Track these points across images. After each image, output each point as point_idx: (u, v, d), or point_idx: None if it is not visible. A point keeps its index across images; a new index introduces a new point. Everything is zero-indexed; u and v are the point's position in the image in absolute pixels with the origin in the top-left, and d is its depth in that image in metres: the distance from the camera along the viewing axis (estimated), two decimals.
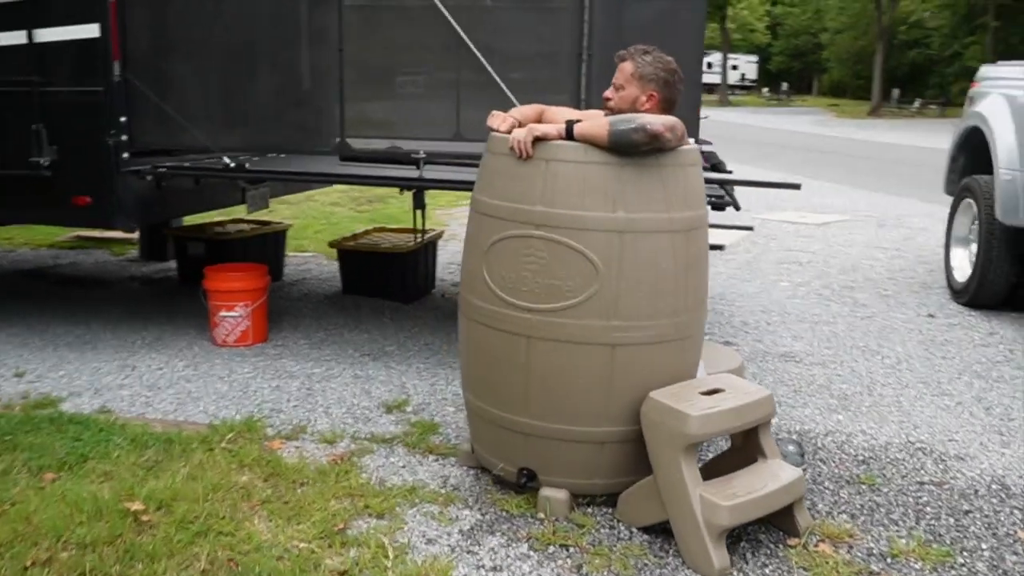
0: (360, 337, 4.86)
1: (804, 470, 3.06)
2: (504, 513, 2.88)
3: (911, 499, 3.12)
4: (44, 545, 2.58)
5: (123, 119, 4.24)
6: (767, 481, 2.72)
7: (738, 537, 2.77)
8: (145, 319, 5.07)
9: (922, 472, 3.34)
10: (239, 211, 6.02)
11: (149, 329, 4.89)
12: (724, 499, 2.60)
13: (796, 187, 4.06)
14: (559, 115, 3.08)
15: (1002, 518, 3.01)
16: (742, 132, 23.11)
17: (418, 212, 5.04)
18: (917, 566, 2.68)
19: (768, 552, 2.73)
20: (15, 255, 7.10)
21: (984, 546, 2.82)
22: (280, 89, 4.65)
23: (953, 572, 2.66)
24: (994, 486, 3.24)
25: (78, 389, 3.97)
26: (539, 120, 3.07)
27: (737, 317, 5.45)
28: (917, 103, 35.51)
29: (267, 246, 6.17)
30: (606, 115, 2.89)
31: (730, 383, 2.87)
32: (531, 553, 2.66)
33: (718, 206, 3.98)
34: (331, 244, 5.84)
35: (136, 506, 2.77)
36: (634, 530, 2.80)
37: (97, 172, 4.26)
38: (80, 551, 2.57)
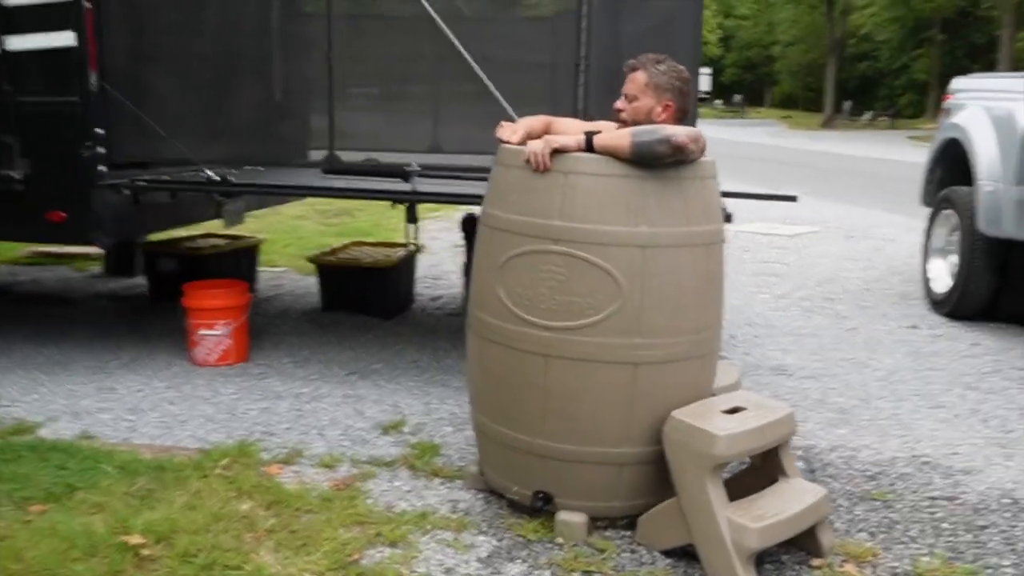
0: (345, 355, 4.72)
1: None
2: (521, 539, 2.78)
3: (926, 515, 3.08)
4: None
5: (100, 131, 4.06)
6: (793, 501, 2.66)
7: (760, 559, 2.71)
8: (119, 338, 4.88)
9: (932, 487, 3.31)
10: (204, 227, 5.86)
11: (124, 349, 4.70)
12: (752, 521, 2.53)
13: (793, 199, 4.03)
14: (567, 126, 3.01)
15: (1018, 532, 2.98)
16: None
17: (411, 226, 4.91)
18: None
19: (793, 572, 2.67)
20: None
21: (1006, 563, 2.79)
22: (263, 100, 4.53)
23: None
24: (1005, 500, 3.22)
25: (55, 413, 3.78)
26: (546, 132, 2.99)
27: (723, 330, 5.41)
28: (868, 115, 36.24)
29: (241, 261, 5.99)
30: (618, 127, 2.82)
31: (749, 400, 2.82)
32: None
33: None
34: (310, 259, 5.70)
35: (135, 540, 2.61)
36: (656, 554, 2.72)
37: (72, 186, 4.08)
38: None
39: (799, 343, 5.16)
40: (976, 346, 5.18)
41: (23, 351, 4.62)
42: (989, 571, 2.73)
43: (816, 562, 2.72)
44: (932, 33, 32.93)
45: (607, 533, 2.83)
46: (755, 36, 52.33)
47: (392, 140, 4.18)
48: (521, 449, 2.80)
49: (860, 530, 2.96)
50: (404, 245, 6.14)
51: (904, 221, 9.81)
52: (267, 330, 5.15)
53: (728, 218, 4.14)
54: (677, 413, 2.66)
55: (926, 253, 6.13)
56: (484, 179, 4.09)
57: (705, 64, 55.07)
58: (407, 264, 5.79)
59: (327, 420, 3.76)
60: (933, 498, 3.22)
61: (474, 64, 3.78)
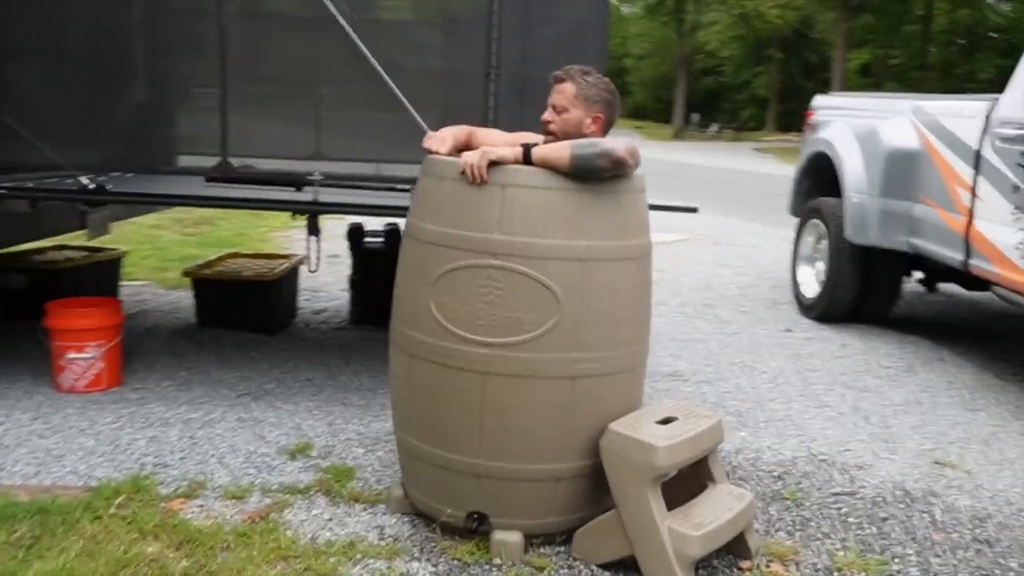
0: (231, 375, 4.47)
1: None
2: (457, 562, 2.70)
3: (833, 511, 3.22)
4: None
5: None
6: (726, 507, 2.70)
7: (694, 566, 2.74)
8: None
9: (833, 483, 3.46)
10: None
11: None
12: (693, 529, 2.56)
13: (694, 210, 4.13)
14: (489, 137, 2.97)
15: (915, 522, 3.16)
16: None
17: (312, 239, 4.69)
18: None
19: None
20: None
21: (910, 551, 2.94)
22: (131, 102, 4.24)
23: None
24: (898, 492, 3.40)
25: None
26: (468, 142, 2.94)
27: None
28: (715, 127, 38.00)
29: (102, 276, 5.58)
30: (545, 140, 2.79)
31: (679, 409, 2.85)
32: None
33: None
34: (186, 273, 5.37)
35: None
36: (594, 568, 2.70)
37: None
38: None
39: (689, 348, 5.30)
40: (846, 347, 5.47)
41: None
42: (897, 561, 2.88)
43: (745, 564, 2.78)
44: (771, 52, 34.97)
45: (543, 550, 2.79)
46: (609, 48, 53.86)
47: (282, 147, 3.99)
48: (455, 469, 2.71)
49: (778, 529, 3.05)
50: (284, 256, 5.91)
51: (763, 229, 10.30)
52: (137, 350, 4.80)
53: None
54: (614, 426, 2.65)
55: (795, 260, 6.44)
56: (392, 189, 4.02)
57: None
58: (290, 277, 5.56)
59: (225, 447, 3.54)
60: (836, 494, 3.36)
61: (379, 67, 3.66)
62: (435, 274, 2.65)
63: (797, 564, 2.81)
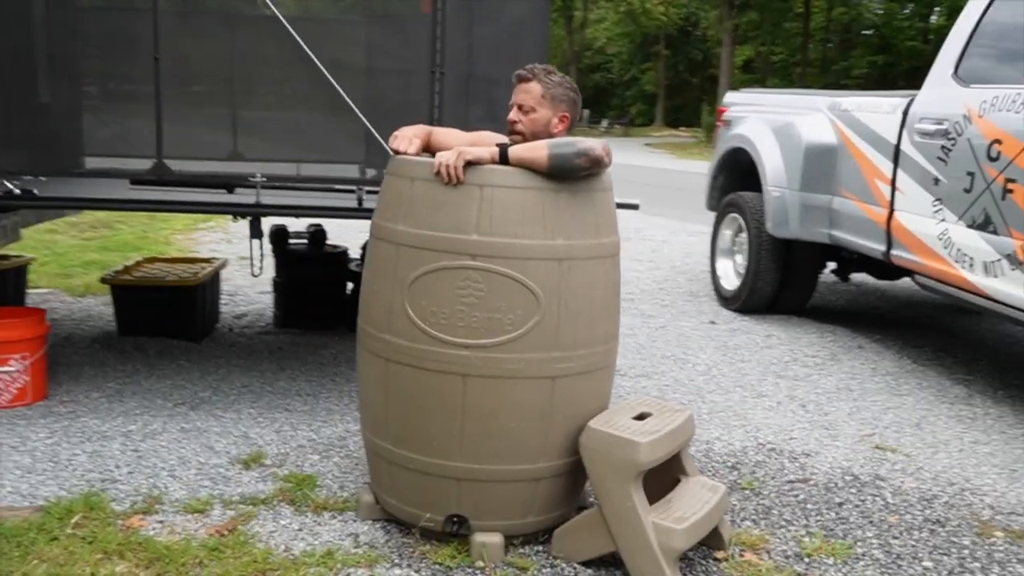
0: (162, 384, 4.28)
1: None
2: (439, 567, 2.66)
3: (791, 499, 3.32)
4: None
5: None
6: (702, 500, 2.75)
7: None
8: None
9: (786, 471, 3.57)
10: None
11: None
12: (676, 523, 2.59)
13: (635, 207, 4.18)
14: (448, 136, 2.93)
15: (869, 505, 3.29)
16: None
17: (255, 241, 4.51)
18: (830, 562, 2.85)
19: (703, 568, 2.77)
20: None
21: (870, 535, 3.06)
22: (45, 104, 4.01)
23: (860, 563, 2.86)
24: (847, 477, 3.54)
25: None
26: (428, 142, 2.90)
27: None
28: (605, 123, 38.61)
29: (7, 284, 5.26)
30: (512, 140, 2.77)
31: (650, 405, 2.88)
32: None
33: None
34: (104, 280, 5.10)
35: None
36: (576, 566, 2.71)
37: None
38: None
39: (620, 343, 5.35)
40: (770, 337, 5.65)
41: None
42: (860, 544, 2.99)
43: (720, 555, 2.83)
44: (658, 48, 35.85)
45: (522, 550, 2.78)
46: None
47: (231, 150, 3.84)
48: (434, 474, 2.67)
49: (743, 519, 3.12)
50: (206, 260, 5.70)
51: (669, 223, 10.54)
52: (57, 361, 4.54)
53: None
54: (594, 423, 2.66)
55: (713, 253, 6.60)
56: (333, 190, 3.92)
57: None
58: (214, 281, 5.37)
59: (174, 459, 3.39)
60: (791, 482, 3.47)
61: (321, 66, 3.56)
62: (410, 276, 2.60)
63: (768, 552, 2.89)
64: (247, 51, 3.83)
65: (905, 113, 4.80)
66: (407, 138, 2.76)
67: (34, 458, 3.35)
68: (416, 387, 2.63)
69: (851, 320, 6.16)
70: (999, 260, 4.02)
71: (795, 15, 33.31)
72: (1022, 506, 3.31)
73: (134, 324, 5.06)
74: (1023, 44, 4.25)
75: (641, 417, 2.76)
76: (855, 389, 4.66)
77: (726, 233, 6.49)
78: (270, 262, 6.37)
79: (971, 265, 4.21)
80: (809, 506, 3.26)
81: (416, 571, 2.63)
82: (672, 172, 19.83)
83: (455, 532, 2.71)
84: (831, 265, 6.23)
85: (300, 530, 2.85)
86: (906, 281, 6.55)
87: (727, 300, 6.33)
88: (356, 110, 3.56)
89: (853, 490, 3.41)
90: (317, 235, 5.55)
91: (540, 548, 2.80)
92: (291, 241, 5.53)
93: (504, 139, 2.86)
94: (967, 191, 4.24)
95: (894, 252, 4.85)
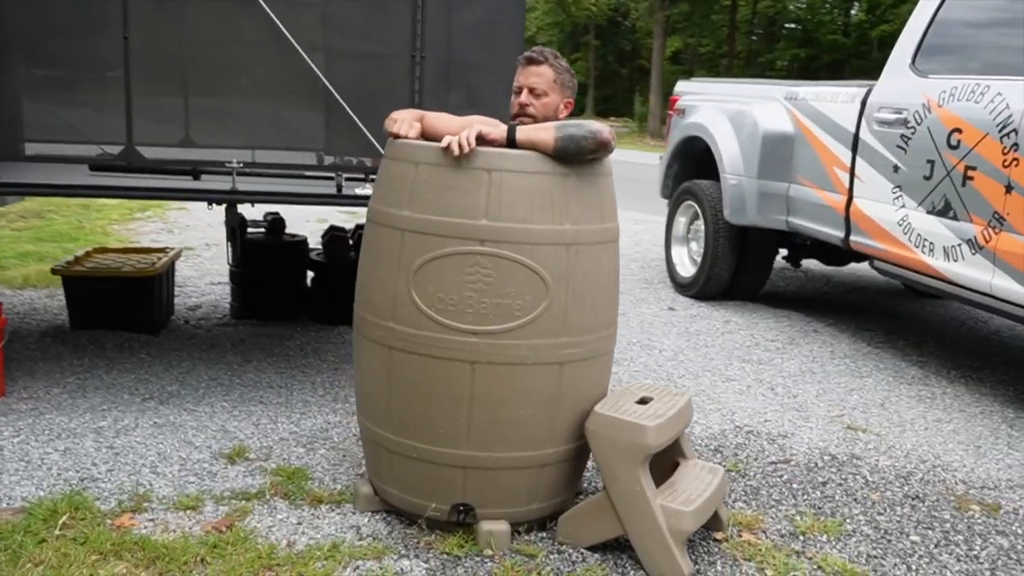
0: (126, 379, 4.14)
1: None
2: (448, 556, 2.63)
3: (777, 479, 3.38)
4: None
5: None
6: (704, 482, 2.78)
7: None
8: None
9: (766, 453, 3.64)
10: None
11: None
12: (684, 505, 2.62)
13: None
14: (441, 120, 2.89)
15: (851, 483, 3.37)
16: None
17: (230, 230, 4.37)
18: (824, 539, 2.92)
19: (705, 549, 2.80)
20: None
21: (856, 512, 3.14)
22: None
23: (853, 539, 2.93)
24: (826, 457, 3.62)
25: None
26: (422, 127, 2.86)
27: None
28: None
29: None
30: (521, 123, 2.75)
31: (650, 389, 2.90)
32: None
33: None
34: (55, 271, 4.90)
35: None
36: (583, 551, 2.71)
37: None
38: None
39: None
40: (729, 323, 5.75)
41: None
42: (849, 521, 3.06)
43: (719, 536, 2.87)
44: (587, 38, 36.05)
45: (527, 537, 2.77)
46: None
47: (203, 134, 3.72)
48: (439, 462, 2.64)
49: (735, 500, 3.17)
50: (159, 250, 5.53)
51: None
52: (7, 356, 4.35)
53: None
54: (600, 408, 2.67)
55: (668, 241, 6.68)
56: (307, 177, 3.84)
57: None
58: (170, 272, 5.22)
59: (153, 455, 3.28)
60: (773, 463, 3.54)
61: (299, 47, 3.48)
62: (416, 262, 2.56)
63: (764, 531, 2.94)
64: (220, 33, 3.70)
65: (863, 102, 4.92)
66: (407, 122, 2.71)
67: (3, 458, 3.21)
68: (422, 375, 2.60)
69: (803, 305, 6.31)
70: (959, 245, 4.17)
71: (722, 7, 33.87)
72: (992, 481, 3.44)
73: (88, 317, 4.87)
74: (979, 36, 4.40)
75: (643, 401, 2.77)
76: (818, 372, 4.78)
77: (681, 220, 6.57)
78: (225, 253, 6.21)
79: (931, 250, 4.35)
80: (795, 486, 3.33)
81: (424, 562, 2.60)
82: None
83: (461, 521, 2.68)
84: (782, 252, 6.37)
85: (299, 524, 2.79)
86: (852, 267, 6.78)
87: (683, 287, 6.42)
88: (335, 93, 3.49)
89: (833, 469, 3.50)
90: (275, 224, 5.43)
91: (544, 535, 2.80)
92: (249, 230, 5.40)
93: (495, 122, 2.84)
94: (927, 178, 4.38)
95: (853, 238, 4.98)
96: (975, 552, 2.87)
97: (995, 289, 3.97)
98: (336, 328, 5.16)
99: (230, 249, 5.39)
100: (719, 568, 2.69)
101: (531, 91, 2.76)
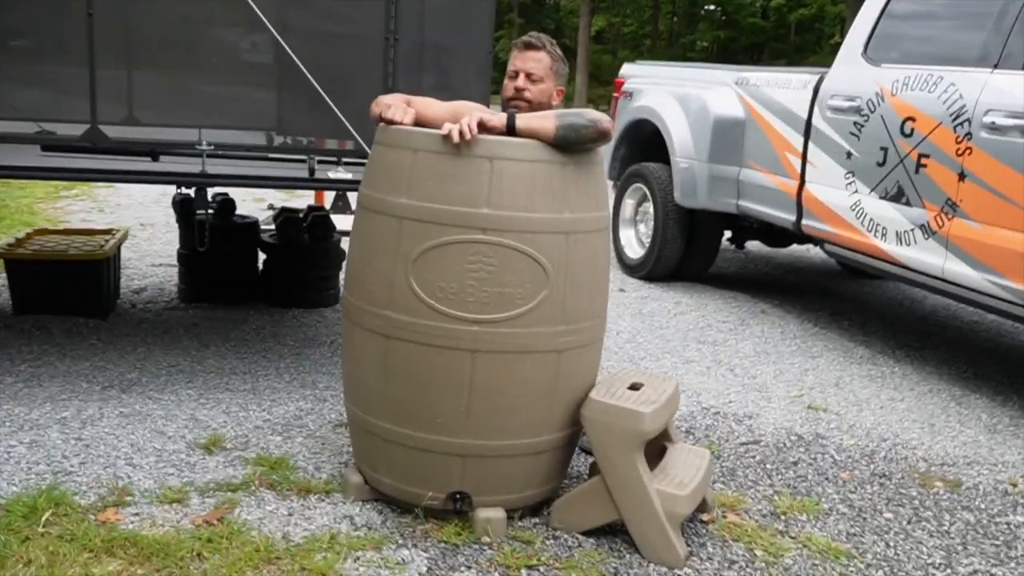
0: (81, 366, 3.99)
1: None
2: (446, 545, 2.63)
3: (750, 460, 3.48)
4: None
5: None
6: (695, 465, 2.84)
7: None
8: None
9: (736, 434, 3.73)
10: None
11: None
12: (678, 488, 2.67)
13: None
14: (429, 107, 2.87)
15: (820, 463, 3.49)
16: None
17: (200, 215, 4.21)
18: (804, 518, 3.02)
19: (694, 531, 2.86)
20: None
21: (830, 490, 3.26)
22: None
23: (831, 518, 3.04)
24: (792, 436, 3.74)
25: None
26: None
27: None
28: None
29: None
30: (516, 109, 2.74)
31: (639, 375, 2.94)
32: None
33: None
34: None
35: None
36: (577, 537, 2.74)
37: None
38: None
39: None
40: (679, 304, 5.85)
41: None
42: (825, 500, 3.17)
43: (705, 517, 2.94)
44: (511, 16, 35.86)
45: (521, 523, 2.79)
46: None
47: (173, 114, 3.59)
48: (438, 451, 2.63)
49: (715, 481, 3.25)
50: (104, 231, 5.33)
51: None
52: None
53: None
54: (595, 395, 2.70)
55: (616, 223, 6.74)
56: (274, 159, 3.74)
57: None
58: (117, 254, 5.04)
59: (126, 446, 3.18)
60: (744, 444, 3.63)
61: (271, 26, 3.38)
62: (415, 250, 2.53)
63: (747, 512, 3.02)
64: (189, 10, 3.57)
65: (816, 89, 5.04)
66: (401, 108, 2.68)
67: None
68: (421, 364, 2.58)
69: (748, 286, 6.45)
70: (912, 230, 4.32)
71: None
72: (950, 458, 3.60)
73: (33, 301, 4.67)
74: (930, 25, 4.54)
75: (634, 387, 2.81)
76: (772, 352, 4.91)
77: (629, 203, 6.64)
78: (175, 234, 6.04)
79: (884, 235, 4.50)
80: (768, 466, 3.42)
81: (424, 551, 2.60)
82: None
83: (458, 509, 2.68)
84: (727, 233, 6.50)
85: (290, 515, 2.75)
86: (791, 248, 6.98)
87: (632, 268, 6.49)
88: (308, 75, 3.41)
89: (801, 449, 3.61)
90: (225, 204, 5.29)
91: (537, 520, 2.82)
92: (199, 212, 5.25)
93: (484, 107, 2.83)
94: (880, 165, 4.52)
95: (805, 222, 5.11)
96: (945, 527, 3.01)
97: (947, 273, 4.14)
98: (291, 311, 5.07)
99: (181, 231, 5.25)
100: (710, 549, 2.76)
101: (528, 76, 2.75)
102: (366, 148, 3.57)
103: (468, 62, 3.84)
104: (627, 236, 6.67)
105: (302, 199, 7.37)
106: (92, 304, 4.70)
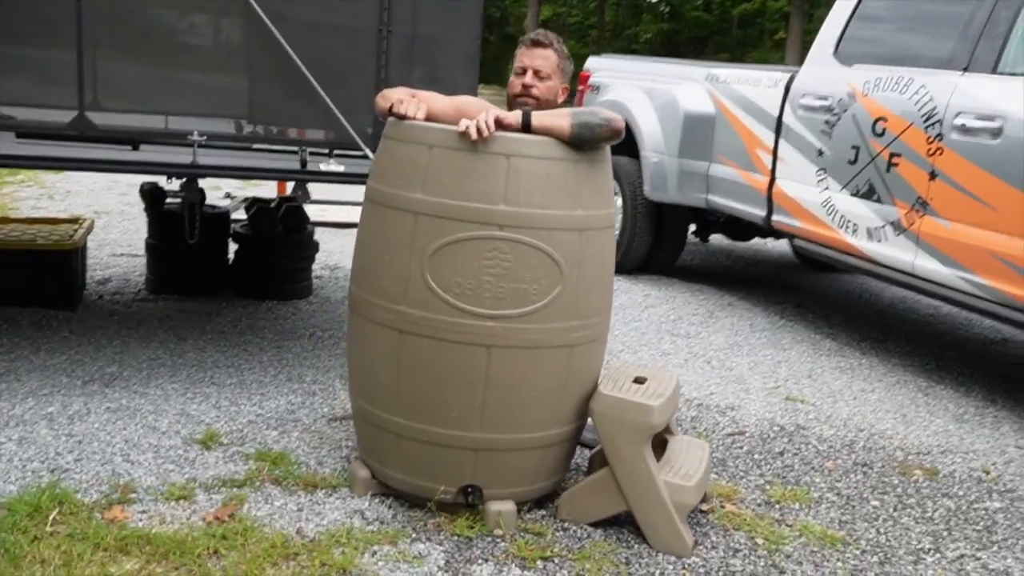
0: (57, 360, 3.91)
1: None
2: (460, 538, 2.66)
3: (738, 451, 3.57)
4: None
5: None
6: (697, 457, 2.91)
7: None
8: None
9: (721, 426, 3.82)
10: None
11: None
12: (685, 480, 2.74)
13: None
14: (435, 101, 2.88)
15: (804, 452, 3.60)
16: None
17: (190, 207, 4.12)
18: (797, 507, 3.12)
19: (696, 521, 2.93)
20: None
21: (817, 479, 3.36)
22: None
23: (823, 506, 3.14)
24: (776, 427, 3.84)
25: None
26: None
27: None
28: None
29: None
30: (522, 103, 2.77)
31: (641, 370, 2.99)
32: (529, 575, 2.51)
33: None
34: None
35: None
36: (586, 528, 2.79)
37: None
38: None
39: None
40: (649, 296, 5.94)
41: None
42: (815, 489, 3.28)
43: (705, 507, 3.02)
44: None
45: (529, 515, 2.83)
46: None
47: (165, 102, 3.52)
48: (451, 445, 2.66)
49: None
50: (70, 221, 5.19)
51: None
52: None
53: None
54: (604, 389, 2.74)
55: None
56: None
57: None
58: (85, 244, 4.92)
59: (121, 441, 3.13)
60: (730, 435, 3.72)
61: (266, 18, 3.35)
62: (432, 246, 2.54)
63: (743, 502, 3.11)
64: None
65: (787, 88, 5.16)
66: (413, 103, 2.68)
67: None
68: (436, 359, 2.59)
69: (712, 279, 6.57)
70: (883, 227, 4.47)
71: None
72: (924, 447, 3.74)
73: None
74: (901, 27, 4.69)
75: (639, 381, 2.86)
76: (744, 345, 5.02)
77: None
78: (131, 223, 5.90)
79: (855, 231, 4.64)
80: (756, 456, 3.52)
81: (439, 544, 2.62)
82: None
83: (469, 502, 2.71)
84: (691, 227, 6.61)
85: (300, 511, 2.74)
86: (755, 242, 7.13)
87: None
88: (303, 67, 3.38)
89: (785, 439, 3.72)
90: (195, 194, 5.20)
91: (544, 512, 2.86)
92: (167, 201, 5.15)
93: (487, 103, 2.85)
94: (852, 163, 4.66)
95: (775, 218, 5.24)
96: (929, 514, 3.13)
97: (917, 269, 4.29)
98: (264, 303, 5.02)
99: (150, 220, 5.14)
100: (714, 539, 2.83)
101: (536, 73, 2.77)
102: (358, 141, 3.56)
103: (457, 54, 3.84)
104: None
105: (262, 188, 7.27)
106: (61, 296, 4.59)
